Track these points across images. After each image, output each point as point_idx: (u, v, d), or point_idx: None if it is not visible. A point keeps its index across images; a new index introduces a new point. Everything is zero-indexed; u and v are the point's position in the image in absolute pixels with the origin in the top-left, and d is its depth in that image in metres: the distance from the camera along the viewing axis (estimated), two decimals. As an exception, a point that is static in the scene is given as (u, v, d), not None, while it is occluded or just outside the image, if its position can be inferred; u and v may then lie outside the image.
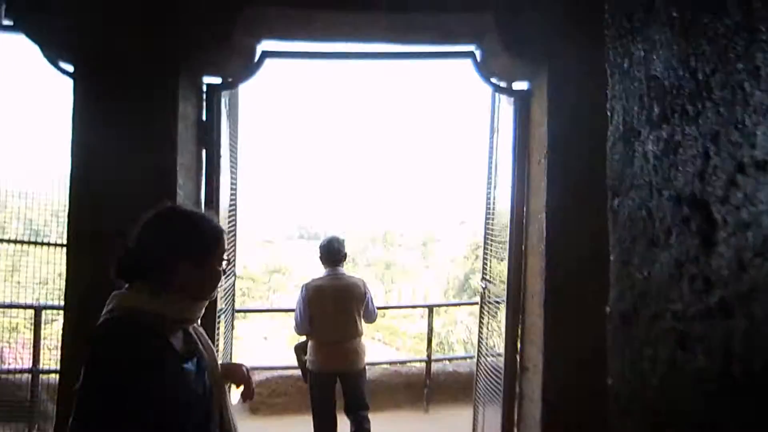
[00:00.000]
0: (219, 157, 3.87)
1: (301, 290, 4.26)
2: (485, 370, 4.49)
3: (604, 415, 1.22)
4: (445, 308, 29.60)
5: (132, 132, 3.35)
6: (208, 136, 3.81)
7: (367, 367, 4.56)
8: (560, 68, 3.42)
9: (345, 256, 4.29)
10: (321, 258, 4.28)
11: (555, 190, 3.44)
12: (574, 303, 3.31)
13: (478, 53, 3.83)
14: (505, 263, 4.03)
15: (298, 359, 4.39)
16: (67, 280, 3.43)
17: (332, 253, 4.22)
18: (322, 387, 4.25)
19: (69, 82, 3.45)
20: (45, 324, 5.11)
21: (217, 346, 3.93)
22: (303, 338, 4.45)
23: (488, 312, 4.60)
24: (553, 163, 3.44)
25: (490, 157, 4.60)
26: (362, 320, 4.22)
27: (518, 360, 3.87)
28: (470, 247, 75.09)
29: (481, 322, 4.79)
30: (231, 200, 4.34)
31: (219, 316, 3.93)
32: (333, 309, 4.12)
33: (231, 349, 4.68)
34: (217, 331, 3.86)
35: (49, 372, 4.93)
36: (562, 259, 3.43)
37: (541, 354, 3.47)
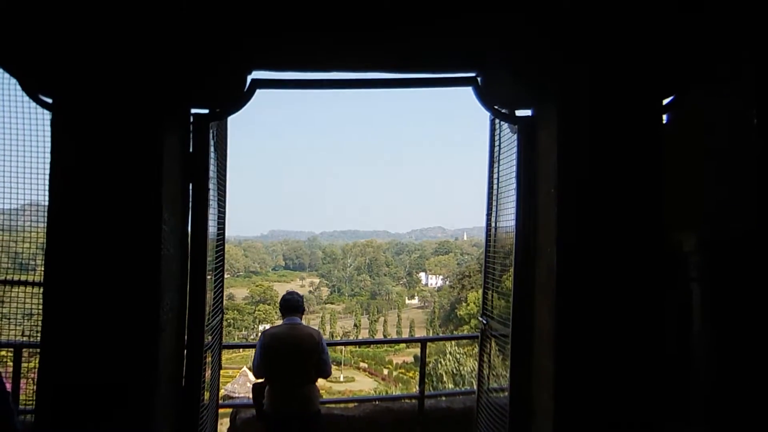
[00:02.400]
0: (206, 189, 3.68)
1: (260, 337, 4.58)
2: (487, 410, 4.27)
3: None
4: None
5: (113, 165, 3.18)
6: (194, 168, 3.64)
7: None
8: (572, 94, 3.27)
9: (303, 309, 4.73)
10: (281, 309, 4.69)
11: (567, 223, 3.24)
12: (591, 345, 3.12)
13: (480, 79, 3.70)
14: (509, 298, 3.83)
15: (255, 399, 4.58)
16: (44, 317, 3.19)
17: (291, 305, 4.63)
18: (277, 430, 4.46)
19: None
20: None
21: (204, 381, 3.80)
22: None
23: (490, 349, 4.39)
24: (564, 194, 3.24)
25: (490, 187, 4.44)
26: (315, 371, 4.46)
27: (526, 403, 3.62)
28: (456, 276, 75.45)
29: (481, 359, 4.58)
30: (218, 233, 4.17)
31: (205, 352, 3.78)
32: (287, 355, 4.40)
33: (218, 385, 4.58)
34: (203, 367, 3.73)
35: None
36: (576, 297, 3.21)
37: (553, 400, 3.22)
